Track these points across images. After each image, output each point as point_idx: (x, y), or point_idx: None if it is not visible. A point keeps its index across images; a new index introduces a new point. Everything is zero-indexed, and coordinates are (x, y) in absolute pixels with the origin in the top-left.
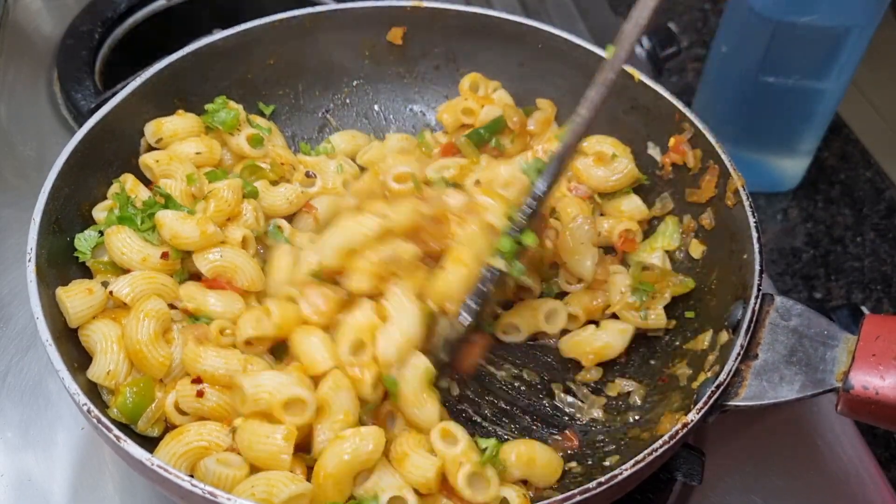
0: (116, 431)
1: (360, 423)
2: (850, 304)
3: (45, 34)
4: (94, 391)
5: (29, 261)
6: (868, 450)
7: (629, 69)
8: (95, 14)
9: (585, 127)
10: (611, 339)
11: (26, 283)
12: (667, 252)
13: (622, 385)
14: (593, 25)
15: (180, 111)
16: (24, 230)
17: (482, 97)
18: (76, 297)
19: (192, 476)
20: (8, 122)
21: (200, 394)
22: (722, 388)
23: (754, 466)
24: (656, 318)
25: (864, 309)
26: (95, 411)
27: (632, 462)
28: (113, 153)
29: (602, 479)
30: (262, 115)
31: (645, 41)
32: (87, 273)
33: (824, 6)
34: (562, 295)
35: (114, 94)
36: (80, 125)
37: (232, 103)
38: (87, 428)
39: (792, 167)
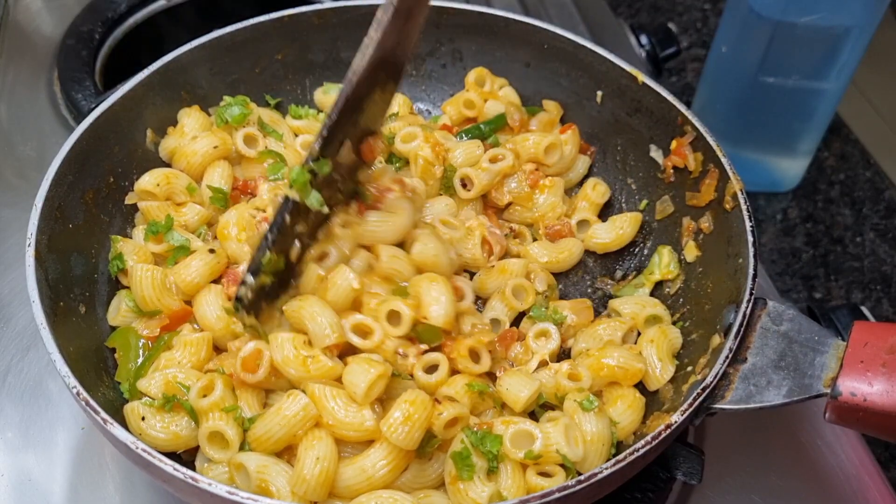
0: (104, 414)
1: None
2: (850, 304)
3: (46, 34)
4: (84, 374)
5: (29, 245)
6: (868, 450)
7: (633, 71)
8: (95, 14)
9: (376, 50)
10: None
11: (24, 269)
12: (663, 280)
13: None
14: (593, 26)
15: (186, 107)
16: (24, 230)
17: (487, 92)
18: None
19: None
20: (8, 122)
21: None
22: (708, 390)
23: (754, 466)
24: None
25: (863, 309)
26: (84, 394)
27: (612, 462)
28: (118, 143)
29: (581, 476)
30: (267, 105)
31: (645, 41)
32: (88, 261)
33: (824, 6)
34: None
35: (117, 91)
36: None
37: (252, 104)
38: (87, 428)
39: (792, 167)
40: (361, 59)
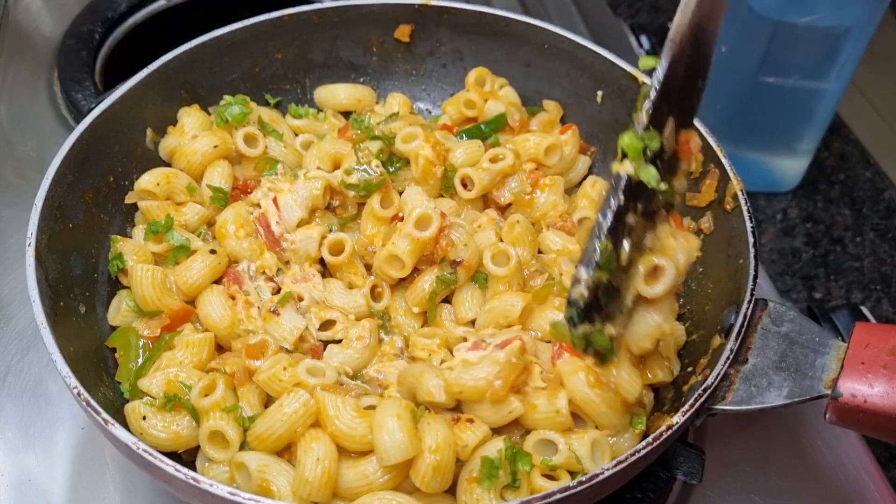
0: (105, 415)
1: None
2: (850, 304)
3: (46, 34)
4: (84, 374)
5: (29, 245)
6: (868, 450)
7: (633, 71)
8: (95, 14)
9: (697, 8)
10: None
11: (25, 269)
12: None
13: None
14: (593, 26)
15: (185, 107)
16: (24, 230)
17: (487, 91)
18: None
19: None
20: (8, 122)
21: None
22: (709, 391)
23: (754, 466)
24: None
25: (863, 309)
26: (85, 394)
27: (613, 462)
28: (118, 142)
29: (583, 478)
30: (267, 104)
31: (645, 41)
32: (88, 261)
33: (824, 6)
34: None
35: (117, 90)
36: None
37: (252, 104)
38: (87, 427)
39: (792, 167)
40: (683, 18)
